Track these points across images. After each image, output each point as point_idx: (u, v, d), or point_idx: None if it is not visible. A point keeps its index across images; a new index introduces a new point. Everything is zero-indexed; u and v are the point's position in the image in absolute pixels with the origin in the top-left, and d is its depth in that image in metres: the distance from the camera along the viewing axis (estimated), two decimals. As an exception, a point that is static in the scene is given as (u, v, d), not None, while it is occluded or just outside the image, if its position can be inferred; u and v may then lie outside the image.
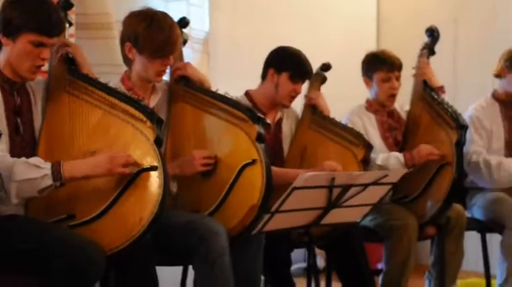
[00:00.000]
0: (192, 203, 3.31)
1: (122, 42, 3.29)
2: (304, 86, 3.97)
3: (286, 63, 3.85)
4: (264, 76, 3.91)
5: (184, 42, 3.62)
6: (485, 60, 4.45)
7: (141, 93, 3.30)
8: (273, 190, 3.14)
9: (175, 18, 3.40)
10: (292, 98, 3.88)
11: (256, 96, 3.89)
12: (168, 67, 3.37)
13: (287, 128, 3.98)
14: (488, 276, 4.32)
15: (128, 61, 3.31)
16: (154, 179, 2.81)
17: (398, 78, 4.17)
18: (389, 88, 4.15)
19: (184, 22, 3.58)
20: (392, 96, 4.18)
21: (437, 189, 3.88)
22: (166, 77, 3.48)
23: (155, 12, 3.25)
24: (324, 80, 4.06)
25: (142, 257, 2.93)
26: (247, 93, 3.92)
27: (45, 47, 2.90)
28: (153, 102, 3.36)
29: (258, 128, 3.20)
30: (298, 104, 4.01)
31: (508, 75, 4.30)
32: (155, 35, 3.17)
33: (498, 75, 4.37)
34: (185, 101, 3.40)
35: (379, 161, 3.93)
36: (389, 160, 3.96)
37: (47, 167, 2.75)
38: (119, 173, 2.80)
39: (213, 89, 3.39)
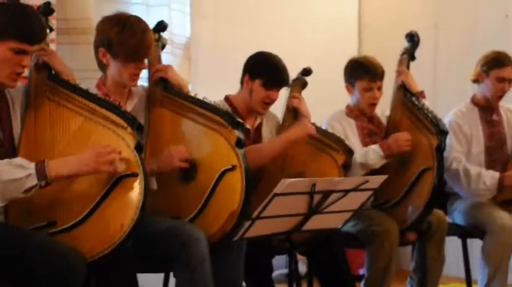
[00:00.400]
0: (172, 209, 3.29)
1: (96, 47, 3.28)
2: (285, 92, 3.96)
3: (260, 70, 3.84)
4: (241, 81, 3.91)
5: (163, 46, 3.60)
6: (465, 66, 4.47)
7: (117, 98, 3.28)
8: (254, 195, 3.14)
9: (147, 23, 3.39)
10: (266, 104, 3.87)
11: (236, 101, 3.88)
12: (147, 71, 3.38)
13: (267, 133, 3.97)
14: (469, 281, 4.33)
15: (102, 66, 3.30)
16: (135, 186, 2.81)
17: (380, 88, 4.17)
18: (370, 98, 4.15)
19: (162, 26, 3.56)
20: (373, 105, 4.19)
21: (418, 194, 3.88)
22: (143, 82, 3.48)
23: (128, 17, 3.25)
24: (304, 84, 4.05)
25: (124, 264, 2.92)
26: (226, 98, 3.91)
27: (26, 55, 2.88)
28: (129, 107, 3.34)
29: (238, 134, 3.20)
30: (279, 109, 4.01)
31: (486, 80, 4.33)
32: (128, 39, 3.16)
33: (476, 81, 4.40)
34: (164, 106, 3.38)
35: (358, 159, 3.93)
36: (367, 154, 3.96)
37: (31, 166, 2.73)
38: (105, 172, 2.79)
39: (192, 94, 3.38)
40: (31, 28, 2.87)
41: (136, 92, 3.42)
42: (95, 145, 2.85)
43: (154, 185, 3.29)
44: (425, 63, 5.52)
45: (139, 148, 2.87)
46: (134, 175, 2.81)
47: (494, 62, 4.30)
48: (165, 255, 3.11)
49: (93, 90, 3.21)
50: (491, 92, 4.32)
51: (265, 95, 3.83)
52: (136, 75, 3.28)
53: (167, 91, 3.38)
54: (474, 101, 4.43)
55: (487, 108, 4.39)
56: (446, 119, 4.33)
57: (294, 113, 3.96)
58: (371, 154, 3.96)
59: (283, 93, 3.97)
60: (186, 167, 3.25)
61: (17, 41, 2.83)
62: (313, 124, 3.85)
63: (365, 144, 4.16)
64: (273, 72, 3.83)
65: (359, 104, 4.20)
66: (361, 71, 4.15)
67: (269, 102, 3.86)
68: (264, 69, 3.84)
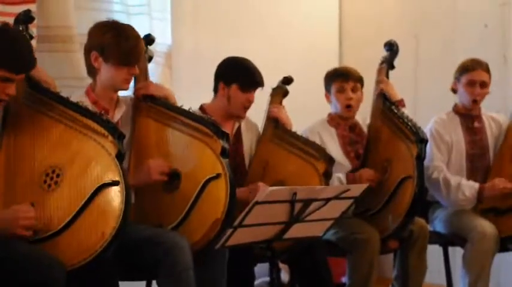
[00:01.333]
0: (155, 217, 3.30)
1: (88, 52, 3.29)
2: (264, 98, 3.97)
3: (234, 74, 3.86)
4: (215, 90, 3.92)
5: (150, 59, 3.62)
6: (445, 75, 4.49)
7: (106, 105, 3.31)
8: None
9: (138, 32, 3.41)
10: (246, 108, 3.88)
11: (210, 109, 3.88)
12: (132, 82, 3.38)
13: (247, 140, 3.98)
14: (450, 289, 4.35)
15: (92, 72, 3.31)
16: (116, 194, 2.82)
17: (354, 90, 4.19)
18: (345, 99, 4.17)
19: (149, 39, 3.62)
20: (349, 106, 4.20)
21: (398, 203, 3.89)
22: (130, 92, 3.48)
23: (121, 24, 3.32)
24: (285, 93, 4.05)
25: (105, 273, 2.92)
26: (201, 108, 3.91)
27: (12, 83, 2.86)
28: (117, 115, 3.36)
29: (223, 143, 3.23)
30: (259, 118, 4.01)
31: (459, 87, 4.36)
32: (122, 43, 3.21)
33: (453, 90, 4.42)
34: (149, 116, 3.40)
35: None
36: (332, 182, 3.97)
37: None
38: (20, 235, 2.78)
39: (178, 103, 3.40)
40: (21, 58, 2.87)
41: (125, 101, 3.43)
42: (75, 153, 2.87)
43: (132, 199, 3.28)
44: (405, 73, 5.54)
45: (120, 156, 2.87)
46: (115, 184, 2.82)
47: (464, 67, 4.34)
48: (148, 263, 3.11)
49: (81, 97, 3.24)
50: (465, 98, 4.35)
51: (244, 98, 3.85)
52: (129, 80, 3.31)
53: (153, 102, 3.41)
54: (455, 110, 4.45)
55: (468, 116, 4.41)
56: (427, 127, 4.36)
57: (274, 122, 3.96)
58: (335, 181, 4.00)
59: (264, 101, 3.98)
60: (165, 180, 3.26)
61: (4, 70, 2.81)
62: (295, 132, 3.85)
63: (346, 153, 4.18)
64: (247, 74, 3.86)
65: (337, 110, 4.22)
66: (334, 75, 4.22)
67: (248, 105, 3.88)
68: (238, 73, 3.86)
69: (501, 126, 4.42)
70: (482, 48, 5.25)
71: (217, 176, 3.18)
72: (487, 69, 4.33)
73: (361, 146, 4.22)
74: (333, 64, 4.51)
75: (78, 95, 3.27)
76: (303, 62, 5.48)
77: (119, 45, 3.20)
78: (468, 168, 4.36)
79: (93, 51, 3.26)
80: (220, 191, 3.17)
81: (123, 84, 3.30)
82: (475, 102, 4.35)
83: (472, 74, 4.30)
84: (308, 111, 4.43)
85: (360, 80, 4.22)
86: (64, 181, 2.88)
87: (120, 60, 3.23)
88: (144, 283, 3.75)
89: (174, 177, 3.29)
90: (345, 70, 4.23)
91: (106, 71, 3.26)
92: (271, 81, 4.03)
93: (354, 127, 4.26)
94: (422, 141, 3.85)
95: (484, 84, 4.32)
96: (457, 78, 4.36)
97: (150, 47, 3.64)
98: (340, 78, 4.17)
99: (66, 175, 2.88)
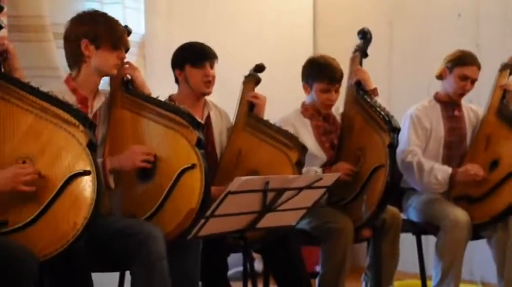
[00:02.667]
0: (129, 207, 3.30)
1: (76, 41, 3.28)
2: (237, 87, 3.97)
3: (183, 56, 3.90)
4: (176, 80, 3.94)
5: (126, 50, 3.61)
6: (419, 63, 4.52)
7: (85, 94, 3.31)
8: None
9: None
10: (208, 83, 3.88)
11: (179, 99, 3.87)
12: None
13: (218, 130, 3.97)
14: (423, 277, 4.37)
15: (78, 60, 3.30)
16: (88, 184, 2.82)
17: (337, 90, 4.18)
18: (327, 99, 4.15)
19: (126, 31, 3.58)
20: (329, 106, 4.20)
21: (371, 192, 3.90)
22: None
23: (105, 13, 3.40)
24: (258, 81, 4.03)
25: (78, 263, 2.93)
26: (170, 98, 3.90)
27: None
28: (96, 105, 3.36)
29: (198, 134, 3.23)
30: (232, 109, 4.01)
31: (449, 77, 4.37)
32: (114, 27, 3.30)
33: (439, 77, 4.44)
34: (124, 107, 3.40)
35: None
36: (309, 172, 3.98)
37: None
38: (22, 191, 2.80)
39: (152, 94, 3.41)
40: None
41: (104, 93, 3.44)
42: (46, 142, 2.86)
43: (112, 183, 3.27)
44: (380, 61, 5.57)
45: (91, 146, 2.87)
46: (87, 173, 2.82)
47: (459, 59, 4.34)
48: (121, 253, 3.10)
49: (59, 86, 3.25)
50: (453, 89, 4.36)
51: (201, 74, 3.85)
52: (118, 65, 3.35)
53: (129, 92, 3.41)
54: (437, 98, 4.46)
55: (449, 104, 4.43)
56: (409, 111, 4.39)
57: (248, 110, 3.94)
58: (312, 174, 3.98)
59: (237, 90, 3.98)
60: (149, 167, 3.25)
61: None
62: (267, 121, 3.85)
63: (321, 143, 4.18)
64: (195, 51, 3.89)
65: (315, 103, 4.21)
66: (320, 73, 4.14)
67: (207, 79, 3.87)
68: (186, 53, 3.90)
69: (478, 117, 4.45)
70: (455, 37, 5.29)
71: (193, 166, 3.19)
72: (479, 68, 4.35)
73: (336, 136, 4.22)
74: (308, 53, 4.50)
75: (55, 85, 3.27)
76: (277, 51, 5.48)
77: (112, 29, 3.28)
78: (445, 155, 4.39)
79: (83, 40, 3.26)
80: (195, 181, 3.18)
81: (113, 69, 3.33)
82: (461, 95, 4.38)
83: (467, 69, 4.31)
84: (282, 101, 4.43)
85: (342, 78, 4.19)
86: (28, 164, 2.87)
87: (114, 44, 3.28)
88: (117, 274, 3.74)
89: (149, 167, 3.29)
90: (331, 71, 4.12)
91: (98, 57, 3.28)
92: (245, 70, 4.03)
93: (328, 117, 4.26)
94: (394, 130, 3.86)
95: (474, 82, 4.35)
96: (448, 68, 4.36)
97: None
98: (326, 80, 4.11)
99: (37, 165, 2.86)
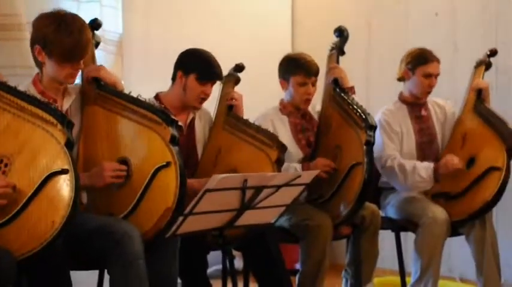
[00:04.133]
0: (106, 206, 3.27)
1: (32, 44, 3.23)
2: (216, 88, 3.96)
3: (193, 64, 3.84)
4: (173, 78, 3.90)
5: (97, 44, 3.57)
6: (397, 62, 4.51)
7: (53, 95, 3.26)
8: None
9: (88, 20, 3.36)
10: (202, 99, 3.87)
11: (166, 98, 3.87)
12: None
13: (200, 129, 3.96)
14: (403, 274, 4.39)
15: (38, 63, 3.25)
16: (65, 182, 2.80)
17: (314, 84, 4.19)
18: (305, 93, 4.18)
19: (96, 24, 3.53)
20: (308, 100, 4.22)
21: (348, 189, 3.92)
22: (78, 80, 3.44)
23: (64, 14, 3.19)
24: (237, 81, 4.05)
25: (56, 262, 2.91)
26: (157, 96, 3.89)
27: None
28: (66, 104, 3.32)
29: (172, 131, 3.19)
30: (211, 106, 4.01)
31: (412, 77, 4.38)
32: (63, 39, 3.11)
33: (401, 79, 4.45)
34: (97, 104, 3.35)
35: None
36: (288, 171, 3.99)
37: None
38: None
39: (126, 91, 3.36)
40: None
41: (74, 89, 3.38)
42: (24, 142, 2.84)
43: (84, 199, 3.25)
44: (357, 60, 5.60)
45: (69, 145, 2.85)
46: (64, 172, 2.80)
47: (419, 58, 4.36)
48: (99, 252, 3.08)
49: (27, 86, 3.19)
50: (419, 88, 4.38)
51: (201, 90, 3.83)
52: (74, 75, 3.25)
53: (101, 89, 3.35)
54: (401, 99, 4.48)
55: (415, 105, 4.45)
56: (376, 117, 4.36)
57: (227, 109, 3.95)
58: (291, 171, 4.00)
59: (216, 89, 3.97)
60: (121, 182, 3.22)
61: None
62: (247, 120, 3.86)
63: (298, 140, 4.20)
64: (206, 66, 3.83)
65: (293, 99, 4.22)
66: (296, 67, 4.18)
67: (204, 97, 3.86)
68: (198, 64, 3.84)
69: (446, 112, 4.47)
70: (432, 36, 5.32)
71: (167, 164, 3.15)
72: (439, 62, 4.38)
73: (312, 133, 4.24)
74: (286, 51, 4.49)
75: (26, 85, 3.23)
76: (255, 50, 5.49)
77: (61, 41, 3.11)
78: (419, 156, 4.40)
79: (36, 45, 3.18)
80: (170, 179, 3.14)
81: (68, 79, 3.24)
82: (428, 93, 4.40)
83: (429, 66, 4.34)
84: (261, 99, 4.44)
85: (318, 72, 4.22)
86: (13, 171, 2.85)
87: (63, 57, 3.15)
88: (96, 272, 3.73)
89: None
90: (307, 64, 4.16)
91: (50, 66, 3.19)
92: (224, 70, 4.02)
93: (305, 115, 4.28)
94: (371, 127, 3.87)
95: (437, 77, 4.37)
96: (410, 69, 4.38)
97: (98, 32, 3.56)
98: (303, 73, 4.15)
99: (15, 164, 2.85)
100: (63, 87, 3.33)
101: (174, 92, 3.89)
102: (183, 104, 3.88)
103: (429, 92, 4.40)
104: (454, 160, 4.20)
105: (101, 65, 3.46)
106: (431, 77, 4.35)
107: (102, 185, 3.21)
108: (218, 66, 3.85)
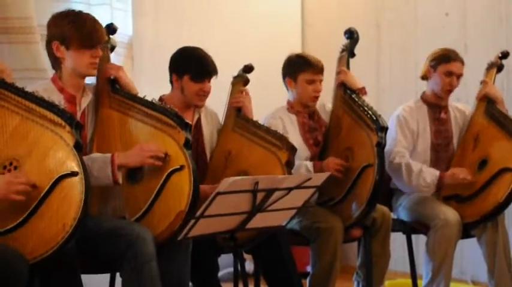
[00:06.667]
0: (118, 209, 3.28)
1: (49, 43, 3.27)
2: (226, 87, 3.94)
3: (185, 66, 3.84)
4: (171, 81, 3.91)
5: (112, 48, 3.61)
6: (407, 63, 4.52)
7: (73, 92, 3.30)
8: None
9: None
10: (203, 97, 3.86)
11: (169, 101, 3.84)
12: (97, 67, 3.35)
13: (208, 131, 3.96)
14: (414, 276, 4.37)
15: (57, 62, 3.29)
16: (76, 185, 2.80)
17: (321, 82, 4.20)
18: (313, 91, 4.17)
19: (112, 28, 3.59)
20: (316, 98, 4.21)
21: (360, 191, 3.91)
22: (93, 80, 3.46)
23: (77, 11, 3.30)
24: (246, 81, 4.05)
25: (68, 265, 2.91)
26: (161, 99, 3.89)
27: None
28: (84, 103, 3.35)
29: (186, 134, 3.21)
30: (220, 108, 4.00)
31: (434, 76, 4.37)
32: (81, 26, 3.20)
33: (424, 77, 4.44)
34: (112, 107, 3.38)
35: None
36: (299, 169, 3.99)
37: None
38: (14, 200, 2.77)
39: (140, 95, 3.38)
40: None
41: (90, 89, 3.41)
42: (33, 144, 2.84)
43: (120, 179, 3.22)
44: (368, 62, 5.58)
45: (78, 146, 2.85)
46: (75, 174, 2.80)
47: (442, 57, 4.35)
48: (111, 255, 3.09)
49: (46, 85, 3.24)
50: (439, 86, 4.36)
51: (198, 88, 3.82)
52: (94, 64, 3.28)
53: (115, 92, 3.38)
54: (423, 98, 4.47)
55: (436, 106, 4.43)
56: (395, 113, 4.38)
57: (237, 111, 3.94)
58: (303, 169, 4.00)
59: (226, 90, 3.96)
60: (159, 165, 3.21)
61: None
62: (256, 121, 3.85)
63: (305, 140, 4.19)
64: (197, 65, 3.83)
65: (301, 98, 4.22)
66: (304, 64, 4.17)
67: (203, 94, 3.86)
68: (189, 65, 3.83)
69: (466, 117, 4.45)
70: (443, 37, 5.31)
71: (181, 167, 3.17)
72: (463, 63, 4.36)
73: (320, 133, 4.23)
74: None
75: (39, 84, 3.26)
76: (265, 51, 5.48)
77: (78, 29, 3.19)
78: (432, 157, 4.39)
79: (54, 41, 3.24)
80: (183, 183, 3.16)
81: (89, 69, 3.28)
82: (449, 92, 4.38)
83: (451, 65, 4.32)
84: (270, 101, 4.43)
85: (323, 71, 4.22)
86: (22, 173, 2.84)
87: (82, 43, 3.21)
88: (107, 276, 3.73)
89: (138, 168, 3.26)
90: (314, 62, 4.17)
91: (70, 59, 3.24)
92: (233, 71, 4.04)
93: (313, 114, 4.27)
94: (382, 129, 3.87)
95: (459, 77, 4.36)
96: (432, 67, 4.36)
97: (113, 37, 3.61)
98: (311, 70, 4.15)
99: (24, 166, 2.85)
100: (83, 86, 3.35)
101: (175, 94, 3.90)
102: (186, 105, 3.88)
103: (450, 91, 4.36)
104: (461, 174, 4.19)
105: (121, 66, 3.50)
106: (453, 76, 4.32)
107: (139, 164, 3.21)
108: (210, 63, 3.84)
